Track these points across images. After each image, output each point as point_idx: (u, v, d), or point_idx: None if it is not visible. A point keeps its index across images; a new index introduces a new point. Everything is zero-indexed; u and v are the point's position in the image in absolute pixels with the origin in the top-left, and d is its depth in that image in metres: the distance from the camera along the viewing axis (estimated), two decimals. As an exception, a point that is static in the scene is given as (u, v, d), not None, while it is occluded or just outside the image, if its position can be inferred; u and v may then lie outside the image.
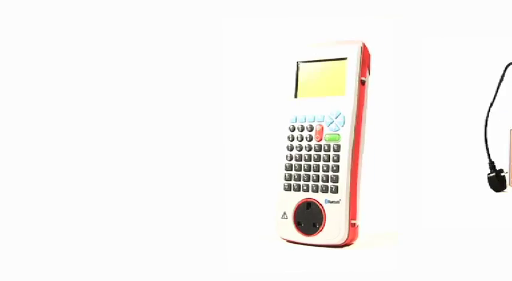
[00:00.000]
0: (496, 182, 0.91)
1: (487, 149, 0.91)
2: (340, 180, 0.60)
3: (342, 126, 0.61)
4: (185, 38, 0.72)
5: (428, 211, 0.73)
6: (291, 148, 0.64)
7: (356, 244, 0.61)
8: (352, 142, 0.60)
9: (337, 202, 0.60)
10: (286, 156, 0.64)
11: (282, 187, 0.64)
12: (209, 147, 0.72)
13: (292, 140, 0.64)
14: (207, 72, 0.72)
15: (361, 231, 0.62)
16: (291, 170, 0.63)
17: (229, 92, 0.79)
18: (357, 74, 0.61)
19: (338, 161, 0.60)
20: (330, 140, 0.61)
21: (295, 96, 0.65)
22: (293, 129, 0.64)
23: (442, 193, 0.87)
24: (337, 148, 0.61)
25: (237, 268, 0.55)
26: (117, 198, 0.71)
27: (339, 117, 0.61)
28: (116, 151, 0.72)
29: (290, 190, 0.63)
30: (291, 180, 0.63)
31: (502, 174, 0.91)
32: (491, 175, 0.91)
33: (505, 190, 0.91)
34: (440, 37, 0.97)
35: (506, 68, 0.88)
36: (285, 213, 0.63)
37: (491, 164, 0.91)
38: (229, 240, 0.65)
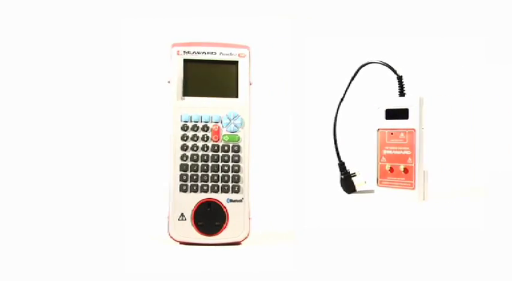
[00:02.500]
0: (347, 183, 0.91)
1: (337, 149, 0.91)
2: (242, 180, 0.63)
3: (241, 127, 0.64)
4: (84, 38, 0.64)
5: (323, 210, 0.80)
6: (185, 148, 0.63)
7: (253, 242, 0.63)
8: (249, 142, 0.64)
9: (240, 201, 0.63)
10: (182, 156, 0.63)
11: (178, 188, 0.62)
12: (106, 147, 0.66)
13: (186, 139, 0.63)
14: (106, 72, 0.66)
15: (259, 230, 0.65)
16: (187, 170, 0.63)
17: (126, 92, 0.73)
18: (248, 78, 0.64)
19: (239, 162, 0.63)
20: (229, 140, 0.63)
21: (184, 95, 0.64)
22: (186, 129, 0.63)
23: (331, 193, 0.92)
24: (238, 149, 0.63)
25: (132, 271, 0.54)
26: (12, 197, 0.69)
27: (236, 119, 0.64)
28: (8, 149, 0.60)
29: (187, 191, 0.62)
30: (187, 181, 0.62)
31: (353, 176, 0.91)
32: (341, 177, 0.91)
33: (355, 192, 0.91)
34: (335, 37, 1.04)
35: (359, 69, 0.88)
36: (182, 214, 0.62)
37: (342, 166, 0.92)
38: (124, 243, 0.63)
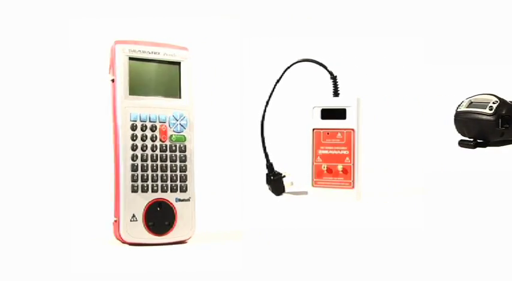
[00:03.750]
0: (276, 185, 0.89)
1: (265, 150, 0.87)
2: (188, 179, 0.65)
3: (187, 128, 0.65)
4: (29, 39, 0.57)
5: (268, 210, 0.80)
6: (135, 148, 0.62)
7: (201, 242, 0.64)
8: (193, 142, 0.66)
9: (188, 200, 0.64)
10: (132, 156, 0.62)
11: (130, 189, 0.61)
12: (52, 148, 0.57)
13: (136, 139, 0.62)
14: (51, 72, 0.59)
15: (207, 230, 0.67)
16: (137, 170, 0.62)
17: (75, 91, 0.63)
18: (190, 80, 0.67)
19: (186, 161, 0.65)
20: (176, 140, 0.64)
21: (130, 94, 0.63)
22: (135, 128, 0.63)
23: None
24: (184, 149, 0.65)
25: (79, 273, 0.53)
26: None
27: (182, 119, 0.65)
28: None
29: (138, 191, 0.62)
30: (138, 181, 0.62)
31: (283, 177, 0.89)
32: (271, 178, 0.88)
33: (284, 193, 0.89)
34: (277, 37, 0.98)
35: (288, 67, 0.85)
36: (134, 215, 0.62)
37: (270, 167, 0.89)
38: (72, 244, 0.62)
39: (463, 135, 1.05)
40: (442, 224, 0.67)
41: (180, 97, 0.65)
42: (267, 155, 0.89)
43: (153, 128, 0.63)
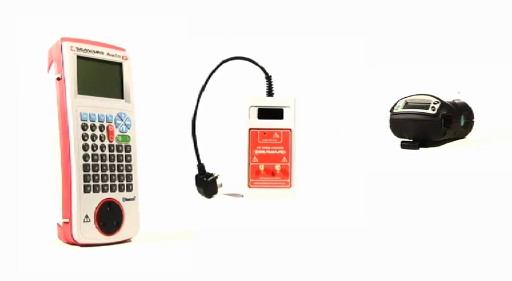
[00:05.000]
0: (209, 187, 0.85)
1: (196, 150, 0.84)
2: (133, 178, 0.66)
3: (131, 128, 0.67)
4: None
5: (209, 209, 0.79)
6: (86, 148, 0.62)
7: (150, 242, 0.65)
8: (136, 142, 0.68)
9: (133, 199, 0.66)
10: (84, 156, 0.62)
11: (83, 189, 0.61)
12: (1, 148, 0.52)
13: (87, 139, 0.62)
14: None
15: (155, 230, 0.68)
16: (89, 170, 0.62)
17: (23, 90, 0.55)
18: (132, 80, 0.68)
19: (131, 161, 0.66)
20: (122, 140, 0.65)
21: (78, 93, 0.63)
22: (86, 128, 0.62)
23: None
24: (129, 149, 0.66)
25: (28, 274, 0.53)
26: None
27: (127, 119, 0.66)
28: None
29: (90, 192, 0.62)
30: (90, 181, 0.62)
31: (211, 178, 0.86)
32: (204, 179, 0.85)
33: (215, 195, 0.86)
34: (221, 37, 0.90)
35: (219, 65, 0.83)
36: (87, 216, 0.61)
37: (202, 168, 0.85)
38: (20, 246, 0.60)
39: (399, 136, 1.02)
40: (379, 224, 0.67)
41: (122, 98, 0.66)
42: (198, 156, 0.87)
43: (101, 128, 0.63)
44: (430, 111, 0.97)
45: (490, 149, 0.99)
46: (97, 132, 0.62)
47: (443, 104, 0.99)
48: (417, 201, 0.73)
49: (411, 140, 1.00)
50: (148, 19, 0.93)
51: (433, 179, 0.80)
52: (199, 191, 0.89)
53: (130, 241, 0.65)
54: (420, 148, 0.99)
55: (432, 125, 0.97)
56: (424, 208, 0.71)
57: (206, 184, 0.88)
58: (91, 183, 0.61)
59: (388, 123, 1.02)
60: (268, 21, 1.10)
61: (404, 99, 1.02)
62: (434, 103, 0.98)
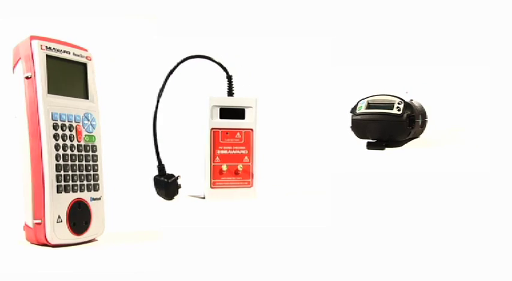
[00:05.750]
0: (170, 188, 0.83)
1: (157, 151, 0.82)
2: (99, 178, 0.67)
3: (96, 128, 0.67)
4: None
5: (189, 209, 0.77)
6: (58, 148, 0.62)
7: (117, 242, 0.65)
8: (101, 142, 0.68)
9: (99, 199, 0.66)
10: (56, 156, 0.62)
11: (55, 189, 0.61)
12: None
13: (58, 139, 0.62)
14: None
15: (121, 230, 0.69)
16: (61, 170, 0.62)
17: None
18: (95, 80, 0.69)
19: (97, 161, 0.67)
20: (89, 141, 0.66)
21: (48, 92, 0.63)
22: (57, 128, 0.62)
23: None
24: (95, 149, 0.66)
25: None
26: None
27: (93, 119, 0.67)
28: None
29: (62, 192, 0.62)
30: (62, 181, 0.62)
31: (172, 179, 0.83)
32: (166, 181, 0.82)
33: (176, 197, 0.84)
34: (187, 37, 0.83)
35: (179, 64, 0.82)
36: (59, 216, 0.61)
37: (162, 171, 0.84)
38: None
39: (362, 137, 1.02)
40: (339, 224, 0.68)
41: (87, 98, 0.66)
42: (159, 157, 0.86)
43: (71, 128, 0.63)
44: (395, 111, 0.98)
45: (447, 148, 1.01)
46: (67, 132, 0.62)
47: (407, 104, 0.99)
48: (379, 201, 0.74)
49: (377, 141, 1.00)
50: (110, 19, 0.91)
51: (394, 178, 0.81)
52: (159, 193, 0.88)
53: (96, 240, 0.65)
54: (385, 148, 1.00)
55: (398, 125, 0.98)
56: (386, 208, 0.72)
57: (167, 185, 0.86)
58: (63, 183, 0.61)
59: (349, 124, 1.02)
60: (232, 22, 1.09)
61: (365, 100, 1.01)
62: (398, 103, 0.98)
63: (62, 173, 0.61)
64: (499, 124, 0.95)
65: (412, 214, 0.69)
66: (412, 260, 0.56)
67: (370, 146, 1.01)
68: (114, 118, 0.75)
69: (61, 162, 0.61)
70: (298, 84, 1.15)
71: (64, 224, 0.61)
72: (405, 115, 0.98)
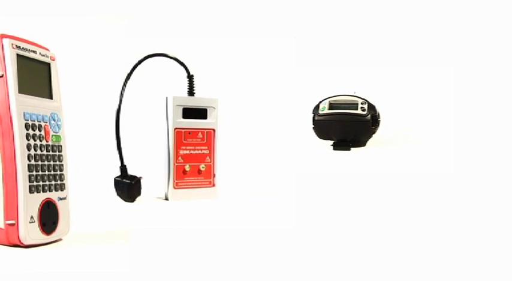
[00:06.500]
0: (133, 190, 0.81)
1: (120, 152, 0.81)
2: (65, 178, 0.67)
3: (61, 128, 0.68)
4: None
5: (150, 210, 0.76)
6: (29, 148, 0.62)
7: (86, 243, 0.65)
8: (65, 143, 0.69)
9: (65, 198, 0.67)
10: (28, 156, 0.62)
11: (28, 190, 0.61)
12: None
13: (29, 139, 0.62)
14: None
15: (90, 230, 0.69)
16: (33, 171, 0.62)
17: None
18: (59, 80, 0.69)
19: (63, 161, 0.67)
20: (55, 141, 0.66)
21: (19, 91, 0.62)
22: (28, 128, 0.62)
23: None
24: (61, 149, 0.67)
25: None
26: None
27: (58, 120, 0.67)
28: None
29: (34, 192, 0.62)
30: (34, 181, 0.62)
31: (135, 180, 0.81)
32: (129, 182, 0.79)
33: (138, 198, 0.81)
34: (171, 37, 0.76)
35: (139, 62, 0.81)
36: (32, 217, 0.62)
37: (124, 172, 0.81)
38: None
39: (324, 137, 1.02)
40: (301, 223, 0.68)
41: (52, 98, 0.66)
42: (121, 157, 0.84)
43: (40, 128, 0.63)
44: (360, 111, 0.99)
45: (399, 148, 1.04)
46: (37, 132, 0.62)
47: (370, 105, 1.00)
48: (341, 200, 0.75)
49: (343, 141, 1.01)
50: (80, 19, 0.89)
51: (355, 178, 0.82)
52: (120, 195, 0.87)
53: (62, 240, 0.65)
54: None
55: (363, 125, 0.99)
56: (347, 208, 0.73)
57: (130, 187, 0.86)
58: (35, 183, 0.61)
59: (311, 124, 1.03)
60: (200, 22, 1.09)
61: (327, 100, 1.02)
62: (362, 103, 0.99)
63: (34, 173, 0.61)
64: (451, 123, 0.99)
65: (372, 212, 0.71)
66: (372, 259, 0.56)
67: (337, 146, 1.01)
68: (80, 118, 0.75)
69: (33, 162, 0.61)
70: (260, 85, 1.16)
71: (36, 225, 0.61)
72: (369, 115, 0.99)
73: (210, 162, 0.90)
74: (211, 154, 0.90)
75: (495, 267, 0.54)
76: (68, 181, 0.66)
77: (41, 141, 0.62)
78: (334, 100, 1.02)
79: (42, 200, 0.62)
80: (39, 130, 0.62)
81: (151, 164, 0.91)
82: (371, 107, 1.01)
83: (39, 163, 0.62)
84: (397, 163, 0.94)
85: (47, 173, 0.63)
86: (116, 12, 0.98)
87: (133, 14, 1.01)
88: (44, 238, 0.62)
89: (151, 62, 0.86)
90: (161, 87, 0.94)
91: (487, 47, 1.00)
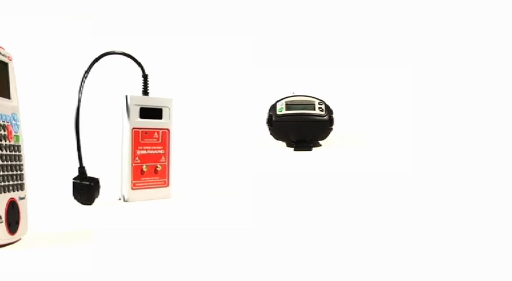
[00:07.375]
0: (92, 192, 0.79)
1: (79, 152, 0.79)
2: (24, 178, 0.68)
3: (20, 128, 0.68)
4: None
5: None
6: None
7: (47, 243, 0.64)
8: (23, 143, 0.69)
9: (24, 198, 0.67)
10: None
11: None
12: None
13: None
14: None
15: (54, 230, 0.69)
16: (0, 171, 0.63)
17: None
18: (15, 82, 0.69)
19: (22, 161, 0.68)
20: (16, 141, 0.67)
21: None
22: None
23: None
24: (20, 149, 0.67)
25: None
26: None
27: (17, 120, 0.68)
28: None
29: (1, 192, 0.63)
30: (1, 181, 0.62)
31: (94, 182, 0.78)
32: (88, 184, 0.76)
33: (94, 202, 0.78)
34: (133, 37, 0.68)
35: (95, 61, 0.80)
36: (0, 217, 0.62)
37: (83, 175, 0.78)
38: None
39: (281, 138, 1.01)
40: (257, 224, 0.68)
41: (10, 98, 0.67)
42: (81, 158, 0.83)
43: (4, 128, 0.63)
44: (318, 111, 0.99)
45: (348, 149, 1.04)
46: (2, 132, 0.62)
47: (326, 105, 1.00)
48: (299, 201, 0.75)
49: (303, 141, 1.00)
50: (45, 19, 0.85)
51: (314, 178, 0.83)
52: (77, 198, 0.85)
53: (21, 239, 0.66)
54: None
55: (322, 125, 0.99)
56: (305, 208, 0.73)
57: (90, 188, 0.84)
58: (2, 183, 0.61)
59: (267, 125, 1.02)
60: (160, 22, 1.08)
61: (283, 101, 1.02)
62: (319, 104, 0.99)
63: (1, 173, 0.61)
64: (405, 124, 1.02)
65: (330, 212, 0.71)
66: (332, 259, 0.56)
67: (298, 147, 1.00)
68: (39, 118, 0.74)
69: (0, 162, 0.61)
70: (216, 84, 1.16)
71: (3, 225, 0.61)
72: (328, 115, 1.00)
73: (165, 162, 0.91)
74: (166, 154, 0.91)
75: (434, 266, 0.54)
76: (27, 180, 0.67)
77: (5, 141, 0.62)
78: (290, 100, 1.02)
79: (8, 200, 0.62)
80: (4, 130, 0.62)
81: (104, 164, 0.90)
82: (328, 108, 1.02)
83: (4, 162, 0.62)
84: (353, 163, 0.95)
85: (10, 173, 0.63)
86: (78, 12, 0.96)
87: (92, 15, 0.99)
88: (9, 238, 0.62)
89: (111, 61, 0.85)
90: (117, 87, 0.93)
91: (440, 47, 1.02)
